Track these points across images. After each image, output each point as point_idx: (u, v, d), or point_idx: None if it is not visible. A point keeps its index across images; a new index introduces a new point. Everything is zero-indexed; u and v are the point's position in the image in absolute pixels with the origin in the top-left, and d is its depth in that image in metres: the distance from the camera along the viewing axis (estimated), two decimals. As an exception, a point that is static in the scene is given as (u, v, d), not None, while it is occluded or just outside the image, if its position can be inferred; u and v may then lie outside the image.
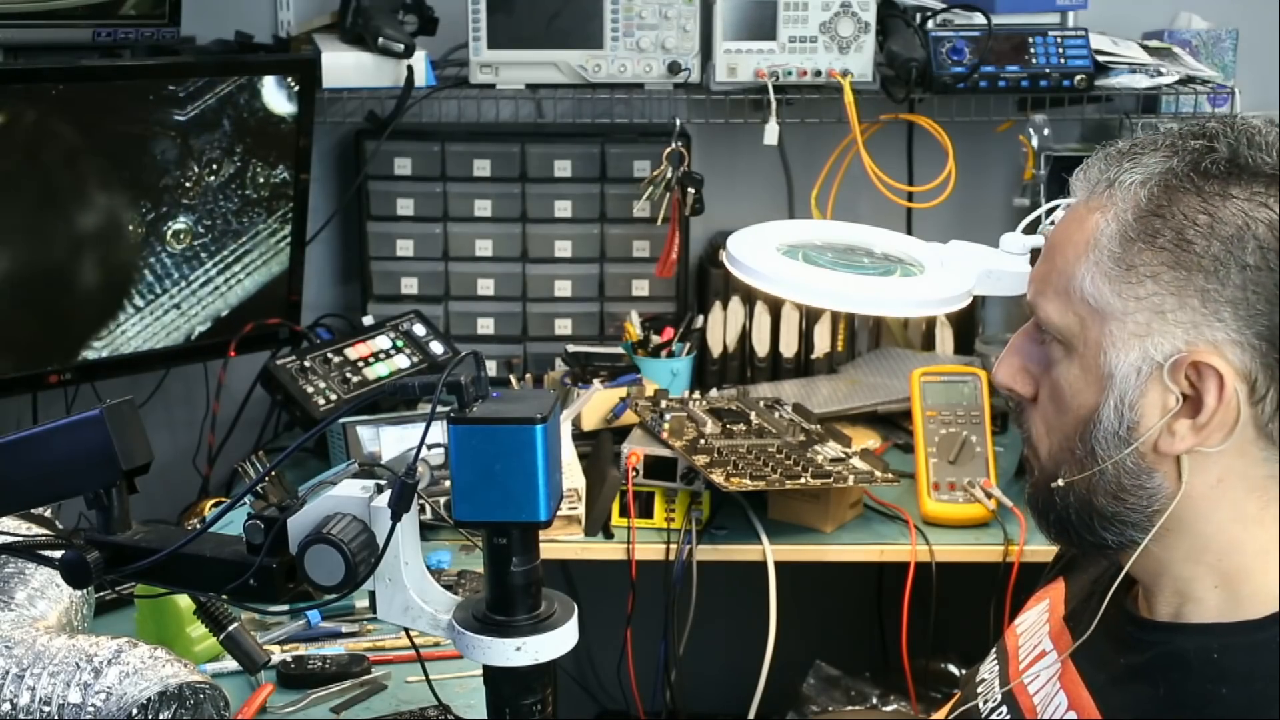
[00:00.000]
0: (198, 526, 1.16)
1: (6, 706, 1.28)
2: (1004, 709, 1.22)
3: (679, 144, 2.42)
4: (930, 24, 2.43)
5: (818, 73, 2.37)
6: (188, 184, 2.27)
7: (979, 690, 1.29)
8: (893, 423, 2.42)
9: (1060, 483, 1.08)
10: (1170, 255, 1.00)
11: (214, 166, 2.29)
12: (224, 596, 1.18)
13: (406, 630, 1.15)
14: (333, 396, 2.28)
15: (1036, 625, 1.26)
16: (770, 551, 2.05)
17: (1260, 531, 1.04)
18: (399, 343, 2.41)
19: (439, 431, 1.05)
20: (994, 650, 1.33)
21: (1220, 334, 0.99)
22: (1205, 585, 1.06)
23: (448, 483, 1.06)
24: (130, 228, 2.22)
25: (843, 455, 2.09)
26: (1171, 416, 1.02)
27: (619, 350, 2.47)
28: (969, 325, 2.61)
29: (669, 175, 2.42)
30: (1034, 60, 2.37)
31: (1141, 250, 1.01)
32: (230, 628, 1.33)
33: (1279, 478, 1.03)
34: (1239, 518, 1.04)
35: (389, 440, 2.14)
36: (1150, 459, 1.04)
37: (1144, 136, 1.08)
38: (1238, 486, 1.03)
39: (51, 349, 2.20)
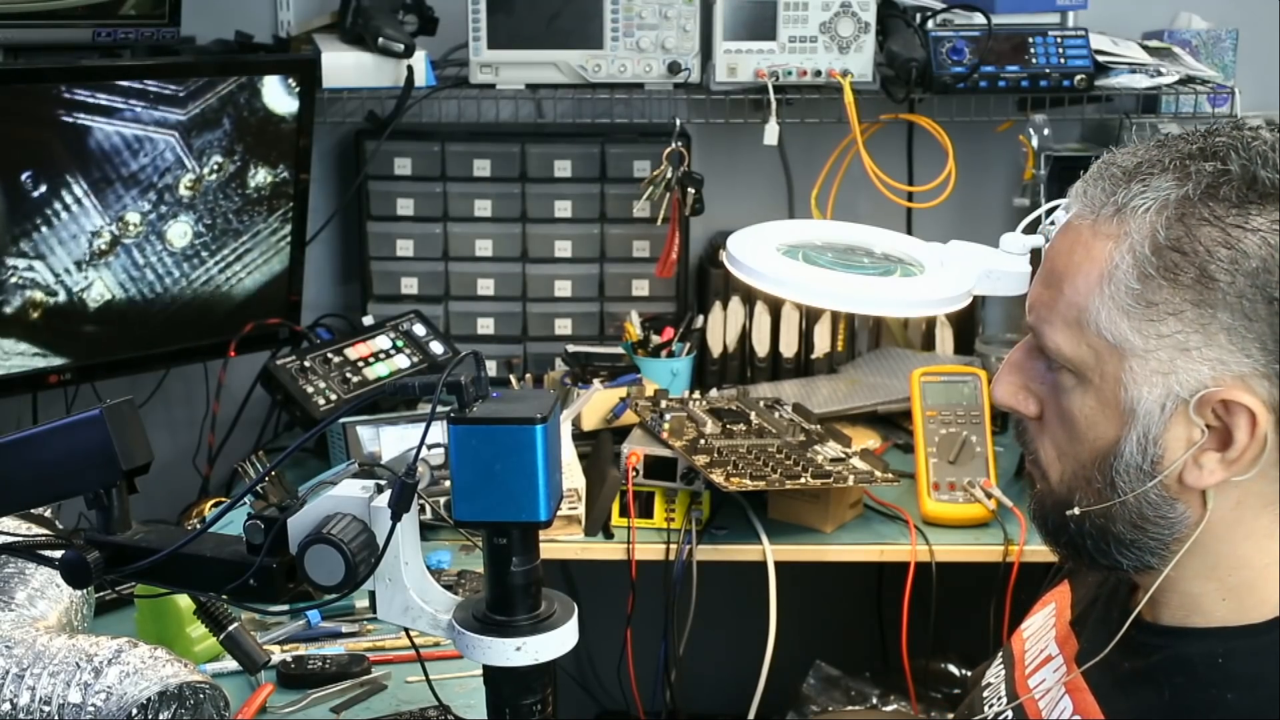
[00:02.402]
0: (198, 526, 1.16)
1: (6, 706, 1.28)
2: (1009, 713, 1.22)
3: (679, 144, 2.42)
4: (930, 24, 2.43)
5: (818, 73, 2.37)
6: (188, 183, 2.27)
7: (984, 695, 1.29)
8: (893, 423, 2.42)
9: (1076, 511, 1.06)
10: (1193, 292, 0.97)
11: (214, 166, 2.29)
12: (224, 596, 1.18)
13: (406, 630, 1.15)
14: (333, 396, 2.28)
15: (1043, 630, 1.26)
16: (770, 551, 2.05)
17: (1269, 545, 1.03)
18: (399, 343, 2.41)
19: (439, 431, 1.05)
20: (999, 654, 1.33)
21: (1247, 367, 0.97)
22: (1214, 599, 1.05)
23: (448, 483, 1.06)
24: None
25: (843, 455, 2.09)
26: (1198, 449, 1.00)
27: (619, 350, 2.47)
28: (969, 325, 2.61)
29: (669, 175, 2.41)
30: (1034, 60, 2.37)
31: (1161, 287, 0.98)
32: (230, 628, 1.33)
33: None
34: (1251, 535, 1.03)
35: (389, 440, 2.14)
36: (1174, 490, 1.02)
37: (1146, 150, 1.03)
38: (1254, 506, 1.02)
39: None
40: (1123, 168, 1.03)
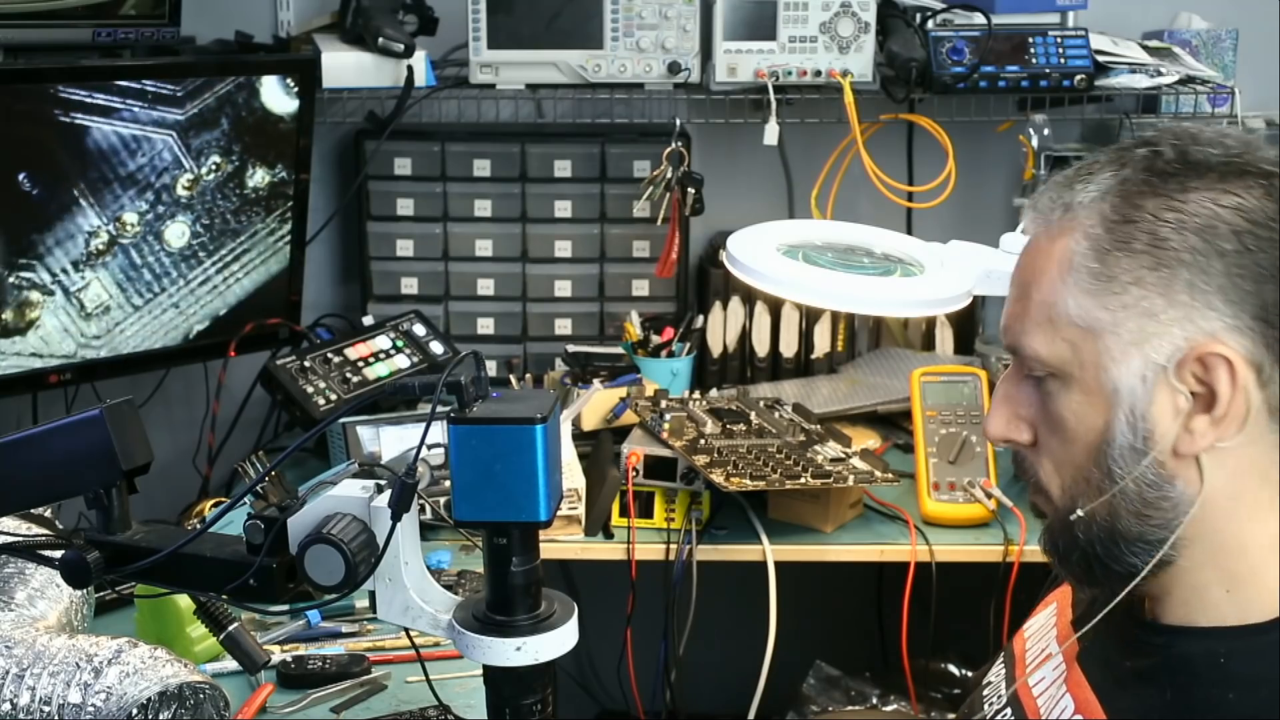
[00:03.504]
0: (198, 526, 1.16)
1: (6, 706, 1.28)
2: (1009, 711, 1.22)
3: (679, 144, 2.42)
4: (930, 24, 2.43)
5: (818, 73, 2.37)
6: (185, 183, 2.27)
7: (985, 694, 1.29)
8: (893, 423, 2.42)
9: (1080, 512, 1.06)
10: (1149, 257, 1.01)
11: (212, 166, 2.29)
12: (224, 596, 1.18)
13: (406, 630, 1.15)
14: (333, 396, 2.28)
15: (1044, 629, 1.26)
16: (770, 551, 2.05)
17: (1269, 524, 1.04)
18: (399, 343, 2.40)
19: (439, 431, 1.05)
20: (1001, 654, 1.33)
21: (1216, 323, 0.99)
22: (1218, 590, 1.05)
23: (448, 483, 1.06)
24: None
25: (843, 455, 2.09)
26: (1187, 415, 1.01)
27: (619, 350, 2.47)
28: (969, 325, 2.61)
29: (669, 175, 2.41)
30: (1034, 60, 2.37)
31: (1119, 259, 1.02)
32: (230, 628, 1.33)
33: None
34: (1251, 512, 1.04)
35: (389, 440, 2.14)
36: (1170, 465, 1.03)
37: (1085, 161, 1.09)
38: (1252, 478, 1.03)
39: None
40: (1066, 176, 1.08)
